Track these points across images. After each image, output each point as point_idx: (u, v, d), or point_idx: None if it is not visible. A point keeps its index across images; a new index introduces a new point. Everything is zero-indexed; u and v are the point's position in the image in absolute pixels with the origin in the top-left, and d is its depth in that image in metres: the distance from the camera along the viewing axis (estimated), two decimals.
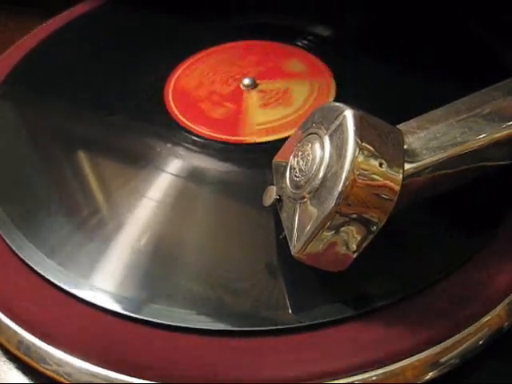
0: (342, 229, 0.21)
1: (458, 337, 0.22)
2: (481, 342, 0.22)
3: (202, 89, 0.33)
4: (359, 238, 0.21)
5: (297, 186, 0.22)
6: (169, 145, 0.30)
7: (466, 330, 0.22)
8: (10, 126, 0.32)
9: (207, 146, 0.29)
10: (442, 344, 0.22)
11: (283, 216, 0.23)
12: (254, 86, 0.32)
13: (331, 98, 0.31)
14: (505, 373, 0.22)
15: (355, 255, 0.21)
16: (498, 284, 0.23)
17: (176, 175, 0.28)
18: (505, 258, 0.24)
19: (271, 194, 0.24)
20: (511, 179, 0.26)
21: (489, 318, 0.22)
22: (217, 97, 0.32)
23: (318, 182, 0.21)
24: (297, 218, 0.22)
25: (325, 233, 0.21)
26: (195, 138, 0.30)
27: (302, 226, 0.21)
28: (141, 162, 0.29)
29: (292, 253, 0.22)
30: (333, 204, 0.20)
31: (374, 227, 0.21)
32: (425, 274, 0.23)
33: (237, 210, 0.27)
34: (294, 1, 0.39)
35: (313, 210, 0.21)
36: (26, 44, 0.37)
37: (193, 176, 0.28)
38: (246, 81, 0.32)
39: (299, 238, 0.21)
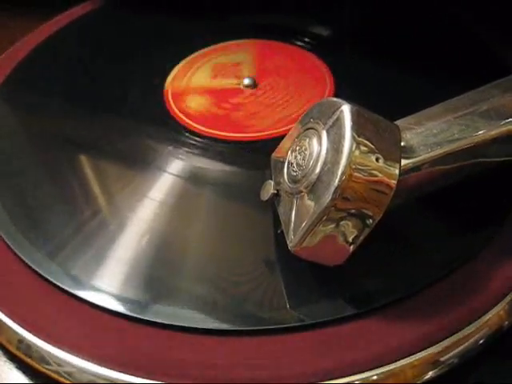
0: (339, 223, 0.21)
1: (457, 336, 0.22)
2: (481, 342, 0.22)
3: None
4: (356, 232, 0.21)
5: (294, 180, 0.22)
6: (169, 145, 0.30)
7: (465, 330, 0.22)
8: (10, 127, 0.32)
9: (208, 146, 0.29)
10: (441, 343, 0.22)
11: (280, 211, 0.23)
12: (254, 85, 0.32)
13: (331, 96, 0.31)
14: (505, 373, 0.22)
15: (352, 249, 0.21)
16: (498, 283, 0.23)
17: (177, 175, 0.28)
18: (505, 258, 0.24)
19: (269, 189, 0.24)
20: None
21: (489, 317, 0.22)
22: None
23: (314, 176, 0.21)
24: (294, 213, 0.22)
25: (321, 227, 0.21)
26: (196, 138, 0.30)
27: (298, 221, 0.21)
28: (141, 162, 0.29)
29: (289, 247, 0.22)
30: (329, 198, 0.20)
31: (371, 221, 0.21)
32: (425, 273, 0.23)
33: (238, 210, 0.27)
34: (294, 1, 0.39)
35: (309, 204, 0.21)
36: (26, 44, 0.37)
37: (194, 176, 0.28)
38: (246, 81, 0.32)
39: (296, 233, 0.21)
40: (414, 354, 0.21)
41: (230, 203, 0.27)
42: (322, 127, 0.22)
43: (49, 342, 0.22)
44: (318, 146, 0.22)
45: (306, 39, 0.36)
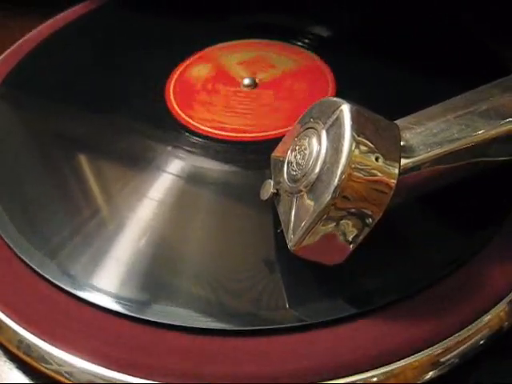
0: (339, 222, 0.21)
1: (457, 337, 0.22)
2: (481, 342, 0.22)
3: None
4: (355, 231, 0.21)
5: (294, 179, 0.22)
6: (170, 145, 0.30)
7: (465, 330, 0.22)
8: (10, 127, 0.32)
9: (208, 146, 0.29)
10: (442, 344, 0.21)
11: (280, 210, 0.23)
12: (254, 85, 0.32)
13: (331, 96, 0.31)
14: (505, 373, 0.22)
15: (352, 248, 0.21)
16: (498, 284, 0.23)
17: (177, 175, 0.28)
18: (505, 258, 0.24)
19: (268, 188, 0.24)
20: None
21: (489, 317, 0.22)
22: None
23: (314, 175, 0.21)
24: (293, 212, 0.22)
25: (321, 226, 0.21)
26: (196, 138, 0.30)
27: (298, 220, 0.21)
28: (141, 162, 0.29)
29: (289, 246, 0.22)
30: (329, 198, 0.20)
31: (370, 220, 0.21)
32: (425, 273, 0.23)
33: (237, 210, 0.27)
34: (294, 0, 0.39)
35: (309, 203, 0.21)
36: (26, 44, 0.37)
37: (193, 176, 0.28)
38: (246, 81, 0.32)
39: (295, 232, 0.21)
40: (414, 354, 0.21)
41: (229, 203, 0.27)
42: (322, 127, 0.22)
43: (49, 342, 0.22)
44: (318, 146, 0.22)
45: (306, 39, 0.36)
